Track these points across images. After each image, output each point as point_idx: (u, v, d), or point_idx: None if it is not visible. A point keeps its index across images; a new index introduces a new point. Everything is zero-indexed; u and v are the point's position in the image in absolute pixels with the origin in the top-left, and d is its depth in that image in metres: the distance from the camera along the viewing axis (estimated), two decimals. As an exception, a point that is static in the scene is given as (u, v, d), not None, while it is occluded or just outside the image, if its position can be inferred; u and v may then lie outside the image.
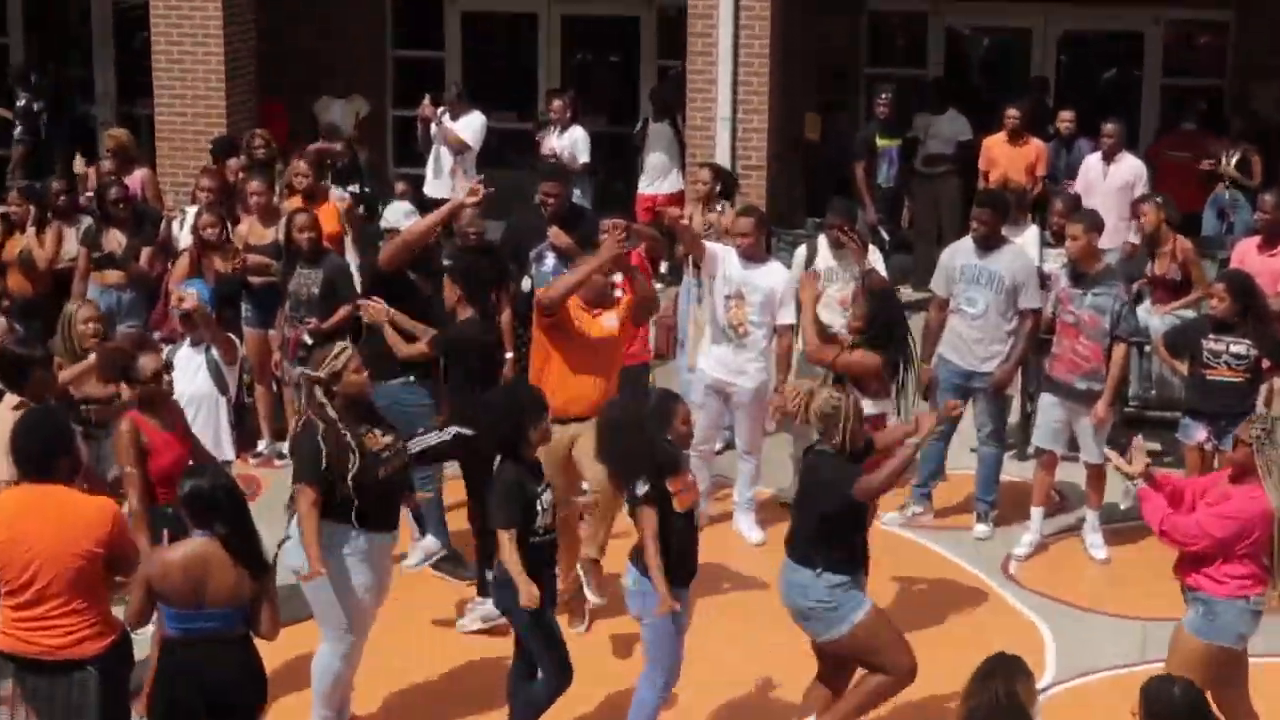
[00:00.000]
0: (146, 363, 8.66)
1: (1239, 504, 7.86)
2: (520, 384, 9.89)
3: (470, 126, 15.79)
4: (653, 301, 10.57)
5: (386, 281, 10.52)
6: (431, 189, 15.70)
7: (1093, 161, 14.60)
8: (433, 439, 9.64)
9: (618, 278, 10.70)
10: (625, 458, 8.22)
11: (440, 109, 15.85)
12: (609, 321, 9.92)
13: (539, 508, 8.20)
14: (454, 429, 9.68)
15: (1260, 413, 8.31)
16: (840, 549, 8.17)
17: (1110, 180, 14.34)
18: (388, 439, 8.42)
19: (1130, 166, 14.42)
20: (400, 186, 12.94)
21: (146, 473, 8.45)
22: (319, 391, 8.29)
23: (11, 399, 8.69)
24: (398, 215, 11.85)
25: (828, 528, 8.13)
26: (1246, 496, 7.86)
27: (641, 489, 8.04)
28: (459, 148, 15.69)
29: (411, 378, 10.42)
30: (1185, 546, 7.94)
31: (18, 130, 18.19)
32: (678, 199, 16.07)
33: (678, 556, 8.13)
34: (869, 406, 9.43)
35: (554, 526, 8.38)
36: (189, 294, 10.20)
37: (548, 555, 8.34)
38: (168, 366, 8.96)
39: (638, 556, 8.15)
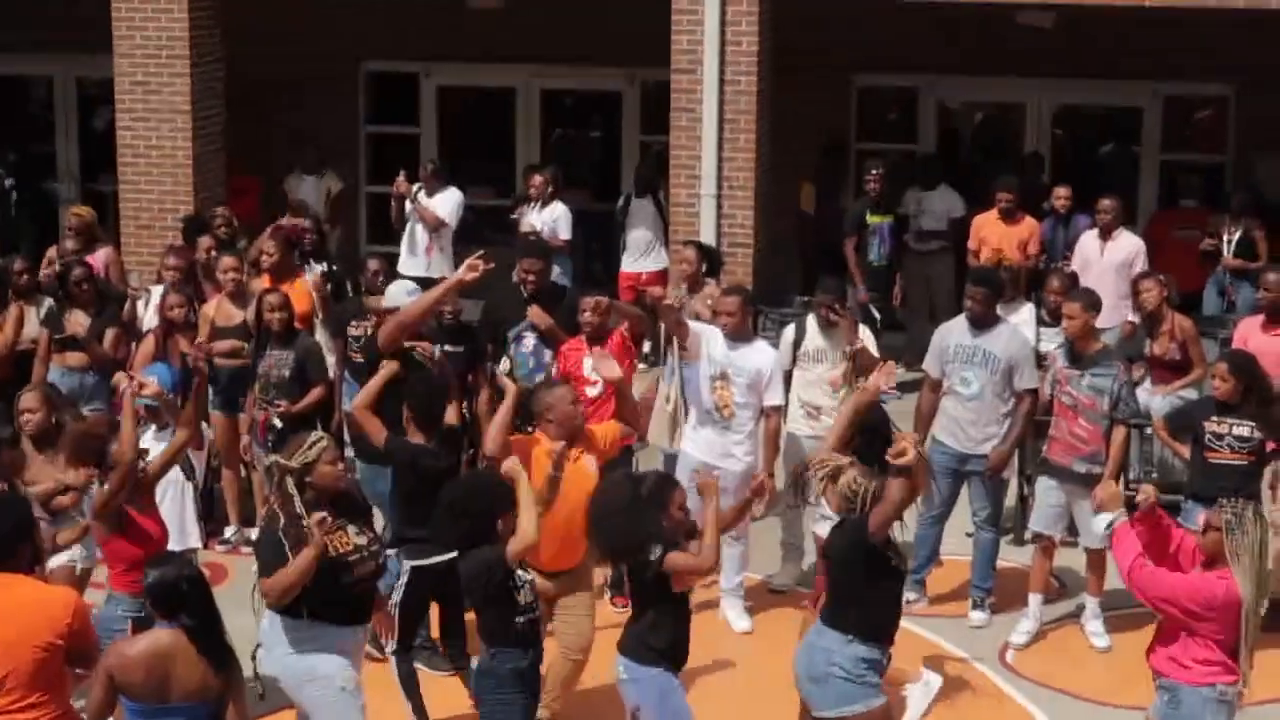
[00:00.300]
0: (120, 450, 8.65)
1: (1210, 583, 7.91)
2: (483, 476, 9.43)
3: (447, 203, 15.90)
4: (636, 423, 10.73)
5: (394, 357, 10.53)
6: (406, 267, 15.75)
7: (1089, 238, 14.68)
8: (397, 594, 9.51)
9: (595, 389, 10.94)
10: (627, 532, 8.11)
11: (416, 185, 15.95)
12: (591, 467, 9.61)
13: (516, 584, 8.10)
14: (408, 565, 9.54)
15: (1229, 501, 8.32)
16: (875, 618, 8.13)
17: (1108, 257, 14.41)
18: (360, 539, 8.26)
19: (1128, 243, 14.51)
20: (374, 265, 12.95)
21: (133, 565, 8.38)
22: (289, 482, 8.14)
23: None
24: (400, 294, 11.83)
25: (860, 590, 8.08)
26: (1217, 577, 7.90)
27: (655, 553, 7.99)
28: (435, 225, 15.79)
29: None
30: (1149, 602, 7.99)
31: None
32: (661, 276, 16.17)
33: (672, 641, 8.13)
34: None
35: (536, 605, 8.26)
36: (149, 380, 10.02)
37: (532, 636, 8.23)
38: (140, 453, 8.96)
39: (629, 645, 8.14)
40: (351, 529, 8.24)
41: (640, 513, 8.08)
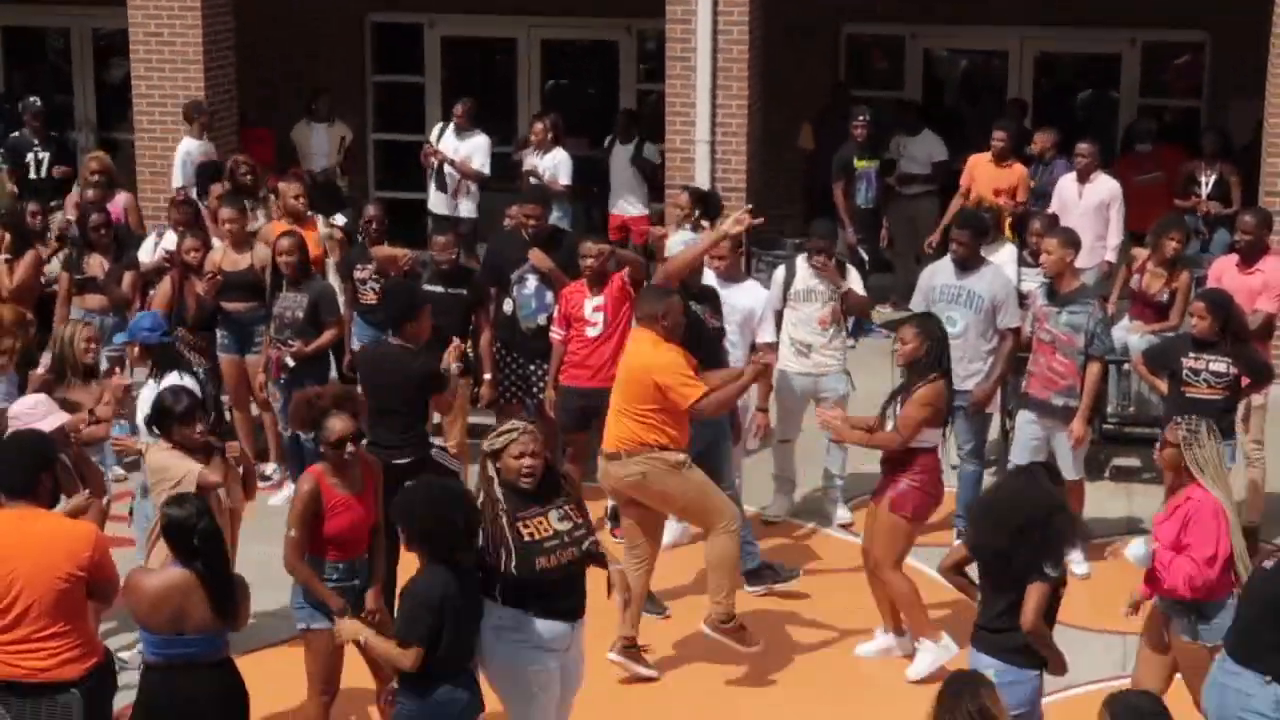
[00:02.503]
0: (335, 425, 8.16)
1: (1201, 509, 7.94)
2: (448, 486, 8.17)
3: (479, 151, 16.12)
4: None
5: None
6: (433, 207, 16.13)
7: (1068, 181, 14.60)
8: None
9: (595, 330, 11.15)
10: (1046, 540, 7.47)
11: (443, 133, 16.19)
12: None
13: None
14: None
15: (1185, 418, 8.34)
16: None
17: (1085, 200, 14.35)
18: (563, 524, 7.67)
19: (1105, 186, 14.43)
20: (370, 211, 12.86)
21: (319, 532, 8.14)
22: (489, 464, 7.71)
23: None
24: (676, 244, 12.06)
25: None
26: (1197, 499, 7.95)
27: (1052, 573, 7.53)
28: (475, 178, 15.94)
29: None
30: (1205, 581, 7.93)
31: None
32: (645, 219, 16.44)
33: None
34: (928, 437, 9.55)
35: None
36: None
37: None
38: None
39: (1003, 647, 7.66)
40: (553, 514, 7.66)
41: (1058, 529, 7.55)
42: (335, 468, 8.16)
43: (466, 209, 16.15)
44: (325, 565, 8.17)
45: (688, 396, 9.25)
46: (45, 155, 16.12)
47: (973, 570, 7.99)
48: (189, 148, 15.54)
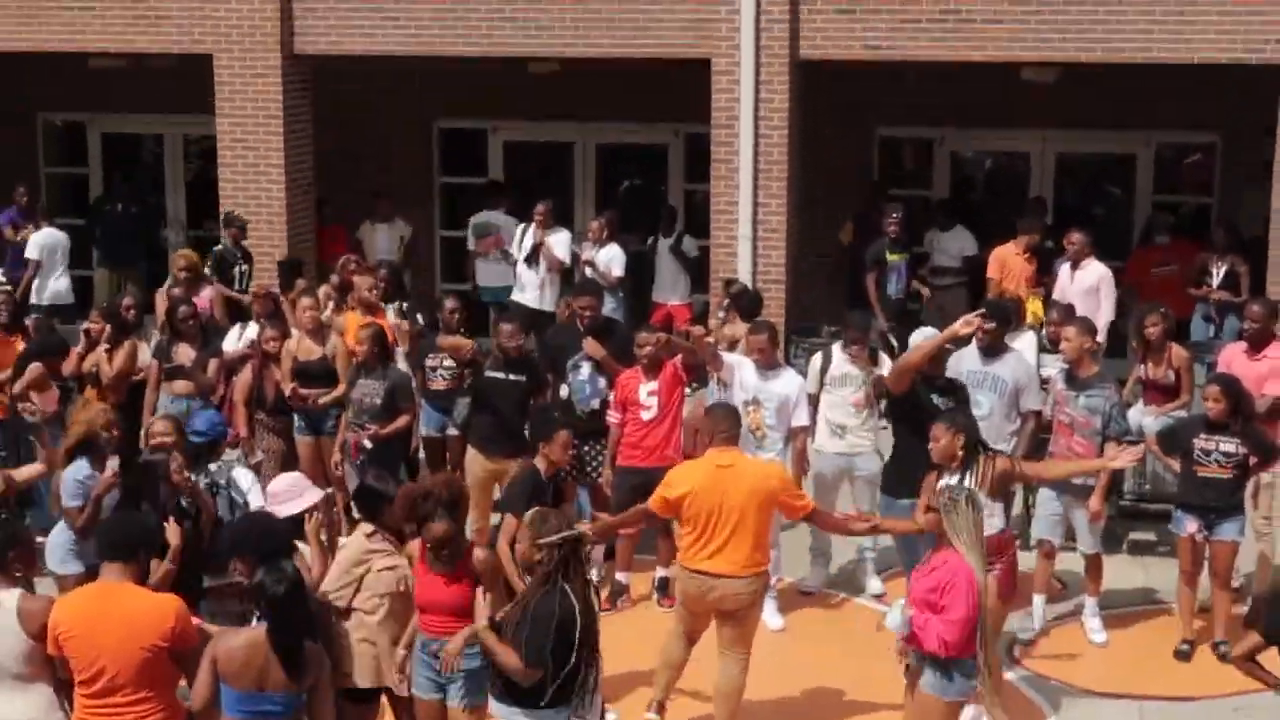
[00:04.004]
0: (435, 529, 8.07)
1: (956, 574, 7.90)
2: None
3: (562, 244, 16.32)
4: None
5: (899, 402, 10.36)
6: (520, 298, 16.30)
7: (1062, 268, 14.74)
8: None
9: (649, 414, 11.27)
10: None
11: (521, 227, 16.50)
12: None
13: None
14: None
15: (951, 483, 8.30)
16: None
17: (1076, 284, 14.46)
18: None
19: (1095, 271, 14.52)
20: (450, 304, 12.98)
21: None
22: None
23: None
24: (918, 337, 11.60)
25: None
26: (954, 564, 7.91)
27: None
28: (559, 267, 16.15)
29: None
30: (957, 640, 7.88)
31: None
32: (687, 309, 16.79)
33: None
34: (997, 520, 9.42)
35: None
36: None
37: None
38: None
39: None
40: None
41: None
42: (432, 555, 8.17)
43: (549, 300, 16.23)
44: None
45: (805, 506, 9.38)
46: (247, 268, 16.00)
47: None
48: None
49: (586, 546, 7.79)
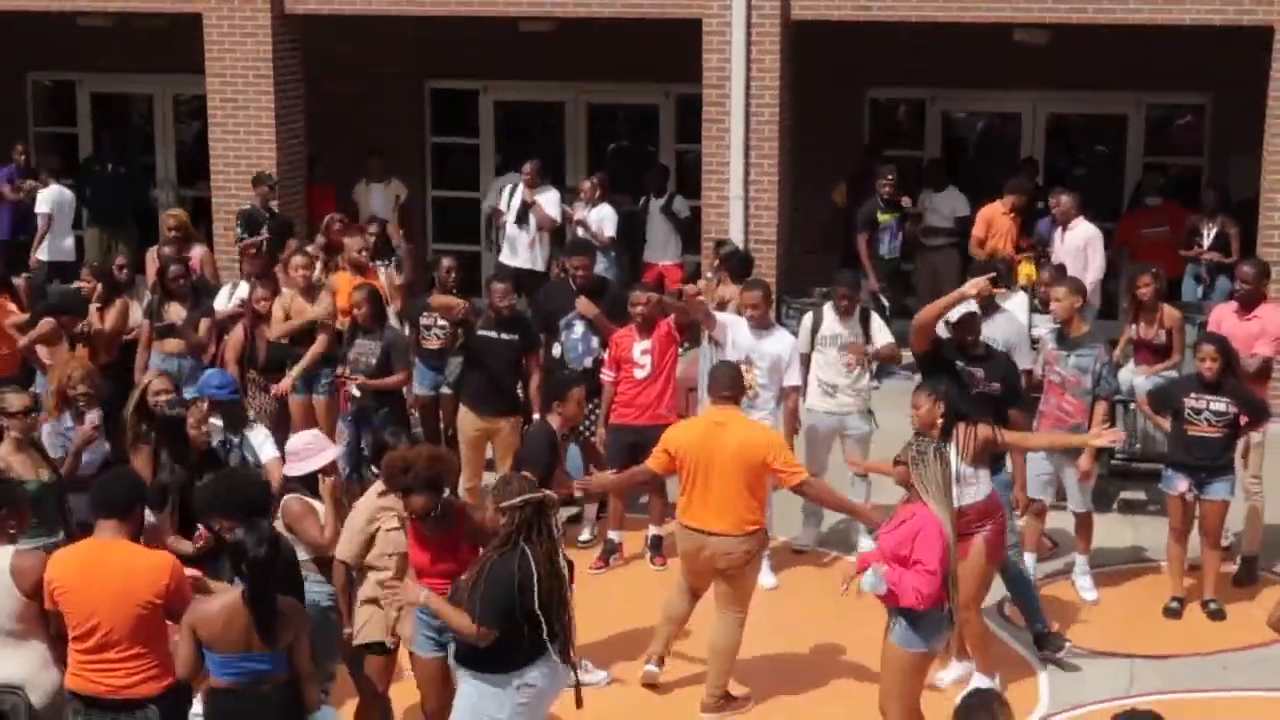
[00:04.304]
0: (414, 502, 7.95)
1: (924, 525, 7.97)
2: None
3: (551, 202, 16.24)
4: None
5: (930, 367, 10.17)
6: (508, 260, 16.21)
7: (1054, 231, 14.76)
8: None
9: (643, 371, 11.31)
10: None
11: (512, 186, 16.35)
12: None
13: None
14: None
15: (919, 438, 8.36)
16: None
17: (1065, 245, 14.47)
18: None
19: (1082, 232, 14.51)
20: (447, 263, 12.95)
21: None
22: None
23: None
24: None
25: None
26: (922, 516, 7.98)
27: None
28: (549, 225, 16.06)
29: None
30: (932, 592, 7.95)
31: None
32: (678, 268, 16.71)
33: None
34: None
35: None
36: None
37: None
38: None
39: None
40: None
41: None
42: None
43: (538, 261, 16.23)
44: None
45: (795, 476, 9.34)
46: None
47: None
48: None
49: (553, 509, 7.67)
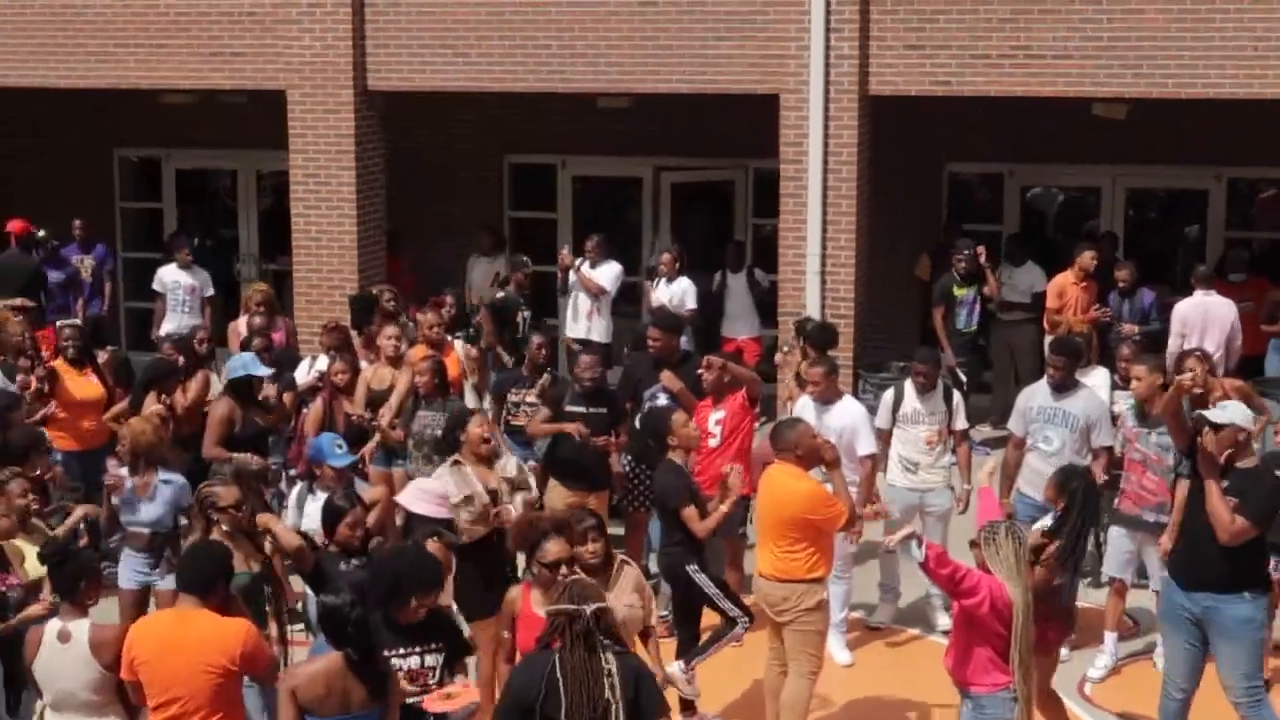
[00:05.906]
0: (550, 548, 8.13)
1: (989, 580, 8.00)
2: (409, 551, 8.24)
3: (608, 274, 16.31)
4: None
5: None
6: (570, 331, 16.34)
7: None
8: None
9: (714, 441, 11.34)
10: None
11: (578, 259, 16.30)
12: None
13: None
14: None
15: (989, 525, 8.29)
16: None
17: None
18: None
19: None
20: (537, 340, 12.91)
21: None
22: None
23: None
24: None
25: None
26: (998, 583, 7.98)
27: None
28: (598, 292, 16.16)
29: None
30: (967, 592, 7.95)
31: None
32: (756, 342, 16.78)
33: None
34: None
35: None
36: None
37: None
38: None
39: None
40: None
41: None
42: (543, 587, 8.13)
43: (599, 331, 16.30)
44: None
45: (838, 518, 9.39)
46: (528, 314, 15.70)
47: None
48: (175, 275, 16.77)
49: (610, 620, 6.97)
